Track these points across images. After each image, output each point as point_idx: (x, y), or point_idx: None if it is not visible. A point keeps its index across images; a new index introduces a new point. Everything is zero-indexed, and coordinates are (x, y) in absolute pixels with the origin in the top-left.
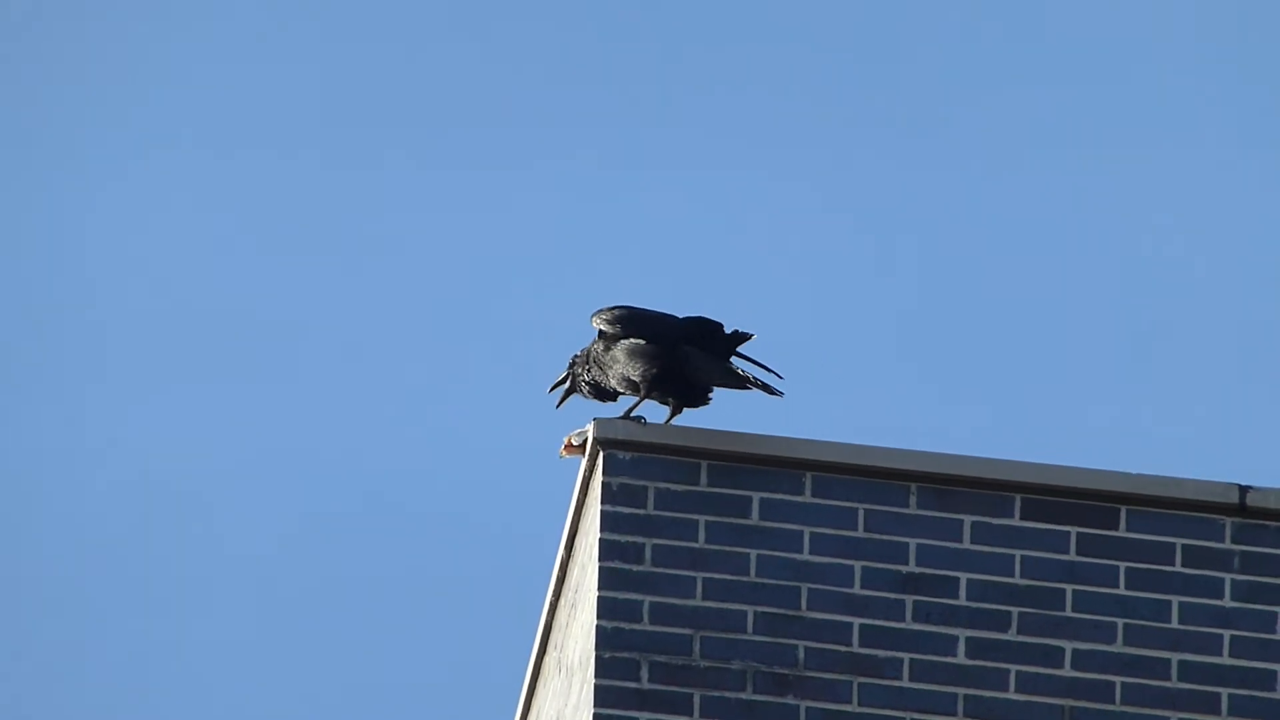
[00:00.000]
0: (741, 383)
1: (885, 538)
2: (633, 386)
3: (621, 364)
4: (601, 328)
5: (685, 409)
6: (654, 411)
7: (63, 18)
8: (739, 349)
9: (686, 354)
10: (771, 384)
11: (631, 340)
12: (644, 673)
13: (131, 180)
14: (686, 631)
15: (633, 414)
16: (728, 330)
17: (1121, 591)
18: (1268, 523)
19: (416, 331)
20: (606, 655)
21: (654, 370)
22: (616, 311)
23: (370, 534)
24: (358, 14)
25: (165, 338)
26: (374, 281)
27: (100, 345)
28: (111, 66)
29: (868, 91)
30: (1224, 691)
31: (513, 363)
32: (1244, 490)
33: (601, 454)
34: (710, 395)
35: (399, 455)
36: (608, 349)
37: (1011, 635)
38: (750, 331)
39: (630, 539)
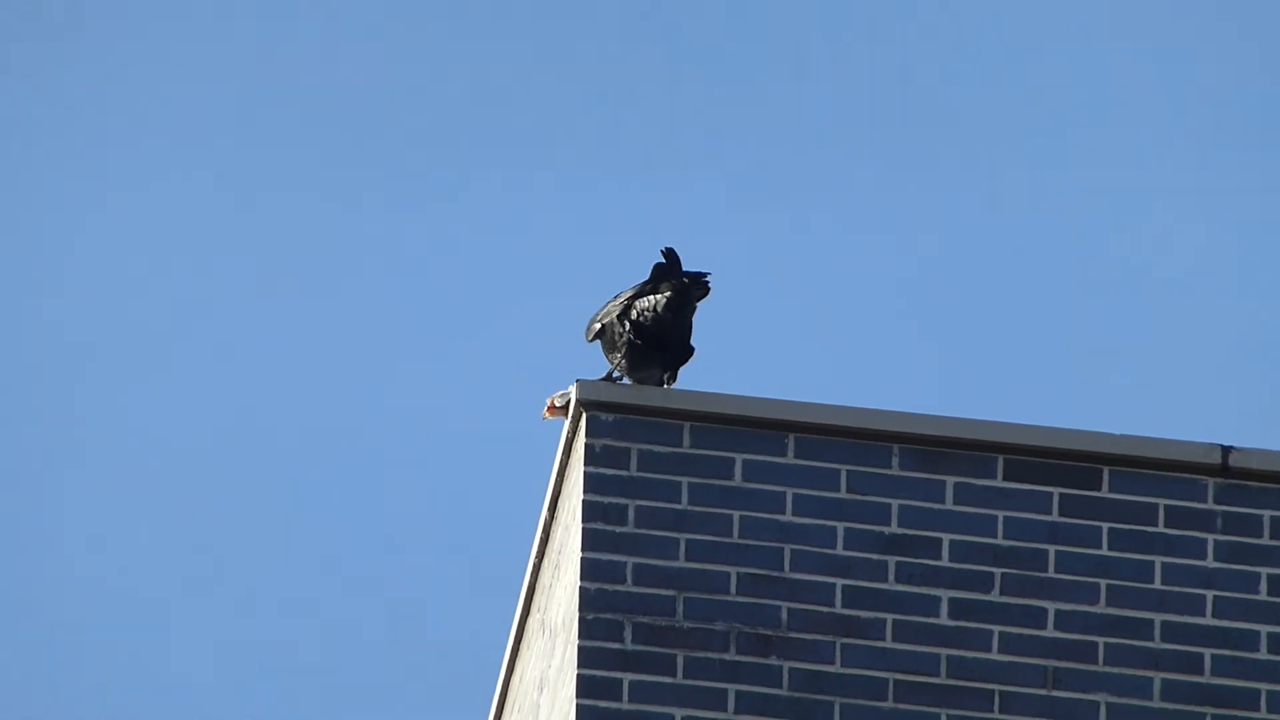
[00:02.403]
0: (681, 291)
1: (868, 499)
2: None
3: (608, 350)
4: (593, 340)
5: (678, 367)
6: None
7: (58, 24)
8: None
9: (639, 311)
10: (698, 275)
11: (603, 344)
12: (627, 634)
13: (126, 183)
14: (670, 593)
15: (614, 375)
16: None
17: (1104, 552)
18: (1250, 483)
19: (408, 322)
20: (590, 616)
21: (621, 344)
22: (592, 330)
23: (356, 502)
24: (354, 18)
25: (161, 334)
26: (366, 279)
27: (95, 341)
28: (106, 74)
29: (859, 85)
30: (1207, 652)
31: (497, 347)
32: (1226, 451)
33: (584, 416)
34: (689, 348)
35: (383, 428)
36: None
37: (994, 596)
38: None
39: (613, 500)
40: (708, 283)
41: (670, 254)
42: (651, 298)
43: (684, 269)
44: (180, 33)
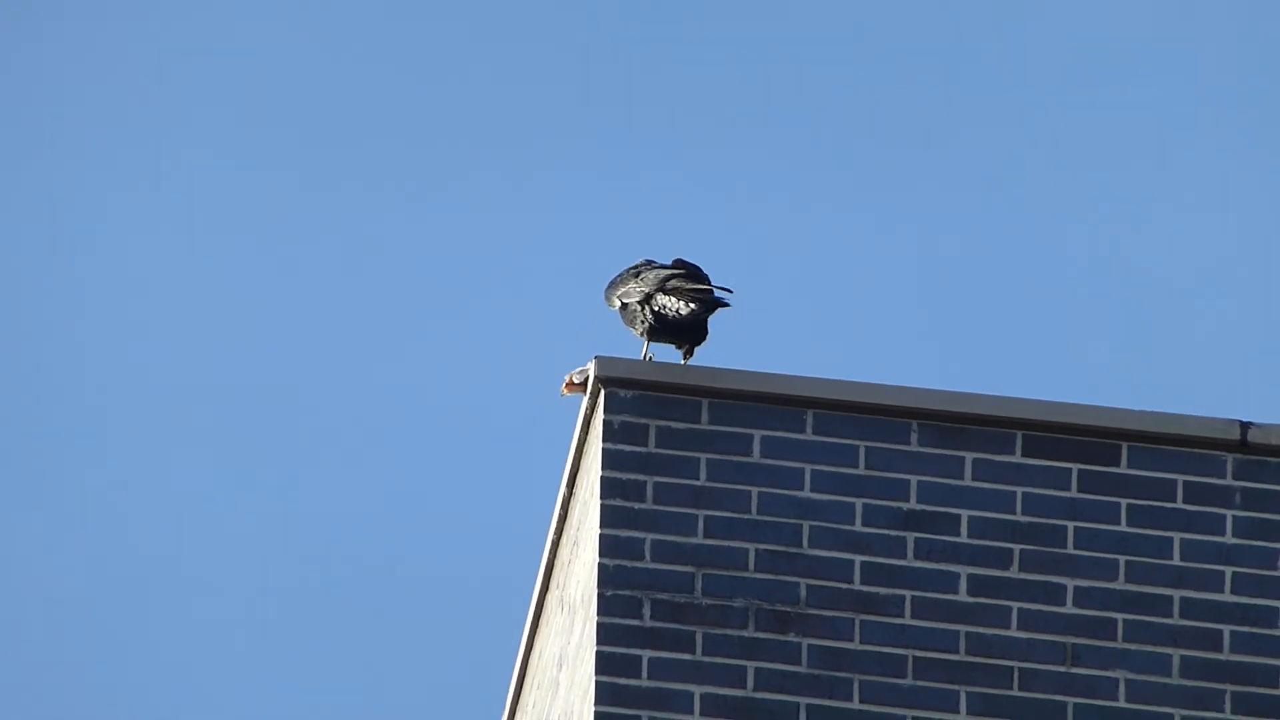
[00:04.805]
0: (706, 304)
1: (887, 475)
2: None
3: (628, 323)
4: (612, 308)
5: (694, 348)
6: (670, 354)
7: (60, 23)
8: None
9: (660, 305)
10: (720, 295)
11: (625, 309)
12: (646, 610)
13: (126, 186)
14: (688, 569)
15: (645, 356)
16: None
17: (1123, 528)
18: (1269, 459)
19: (426, 301)
20: (608, 593)
21: (641, 327)
22: (617, 291)
23: (375, 481)
24: (354, 18)
25: (157, 343)
26: (366, 284)
27: (92, 352)
28: (110, 72)
29: (866, 87)
30: (1225, 628)
31: (516, 324)
32: (1245, 426)
33: (603, 392)
34: (704, 331)
35: (402, 406)
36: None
37: (1013, 572)
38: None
39: (632, 477)
40: (727, 304)
41: (685, 267)
42: (675, 302)
43: (710, 283)
44: (182, 32)
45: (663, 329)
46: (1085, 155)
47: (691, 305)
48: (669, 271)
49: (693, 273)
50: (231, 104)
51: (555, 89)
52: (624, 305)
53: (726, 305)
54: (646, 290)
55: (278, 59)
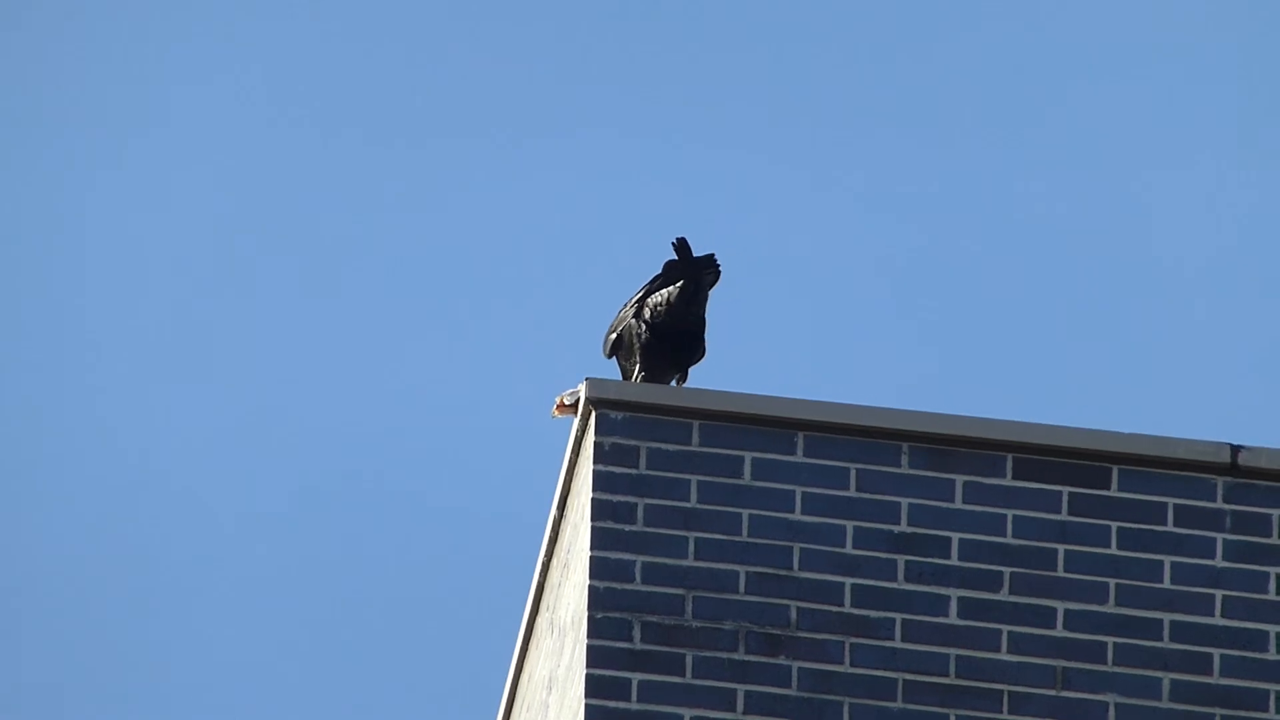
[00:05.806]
0: (692, 278)
1: (877, 497)
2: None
3: (624, 359)
4: (610, 353)
5: (690, 365)
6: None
7: (55, 14)
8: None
9: (654, 305)
10: (705, 259)
11: (621, 353)
12: (636, 633)
13: (121, 178)
14: (679, 591)
15: (636, 378)
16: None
17: (1113, 551)
18: (1259, 482)
19: (416, 320)
20: (599, 615)
21: (638, 363)
22: (609, 342)
23: (363, 502)
24: (353, 8)
25: (156, 327)
26: (365, 272)
27: (91, 335)
28: (110, 72)
29: (871, 82)
30: (1216, 652)
31: (506, 345)
32: (1236, 450)
33: (594, 414)
34: (700, 342)
35: (391, 426)
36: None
37: (1003, 595)
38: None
39: (622, 499)
40: (717, 266)
41: (682, 244)
42: (663, 291)
43: (693, 255)
44: (188, 31)
45: (660, 335)
46: (1080, 161)
47: (680, 284)
48: (651, 280)
49: (678, 264)
50: (224, 95)
51: (553, 90)
52: (618, 338)
53: (715, 268)
54: (636, 301)
55: (273, 52)
